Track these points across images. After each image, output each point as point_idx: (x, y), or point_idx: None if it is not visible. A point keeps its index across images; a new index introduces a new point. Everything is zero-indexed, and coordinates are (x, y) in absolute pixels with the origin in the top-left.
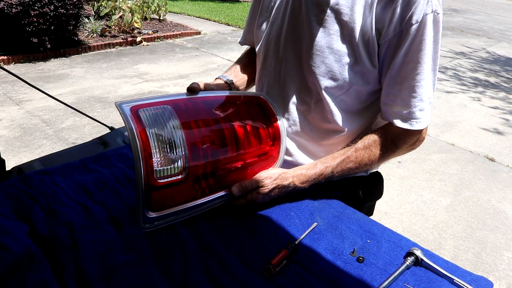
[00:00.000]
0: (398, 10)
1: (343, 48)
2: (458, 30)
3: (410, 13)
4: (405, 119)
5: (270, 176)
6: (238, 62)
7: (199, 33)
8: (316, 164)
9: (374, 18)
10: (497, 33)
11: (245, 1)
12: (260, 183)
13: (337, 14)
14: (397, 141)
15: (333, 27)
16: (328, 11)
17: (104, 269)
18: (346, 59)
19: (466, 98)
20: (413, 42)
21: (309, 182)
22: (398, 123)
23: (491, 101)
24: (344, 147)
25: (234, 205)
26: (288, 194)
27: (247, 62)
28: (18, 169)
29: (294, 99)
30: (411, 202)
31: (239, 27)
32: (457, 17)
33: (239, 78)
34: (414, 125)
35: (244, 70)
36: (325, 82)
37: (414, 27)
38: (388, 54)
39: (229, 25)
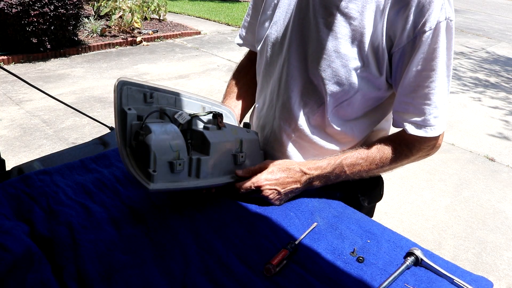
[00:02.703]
0: (411, 17)
1: (350, 53)
2: (458, 30)
3: (423, 20)
4: (420, 126)
5: (275, 160)
6: (235, 84)
7: (199, 33)
8: (325, 156)
9: (385, 24)
10: (497, 33)
11: (245, 1)
12: (264, 164)
13: (346, 17)
14: (412, 147)
15: (341, 30)
16: (337, 14)
17: (104, 269)
18: (353, 64)
19: (466, 98)
20: (427, 49)
21: (316, 169)
22: (412, 130)
23: (491, 101)
24: (352, 148)
25: (240, 189)
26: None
27: (244, 85)
28: (18, 169)
29: (296, 101)
30: (411, 202)
31: (239, 27)
32: (457, 17)
33: (237, 110)
34: (429, 132)
35: (239, 96)
36: (330, 87)
37: (427, 34)
38: (401, 61)
39: (229, 25)
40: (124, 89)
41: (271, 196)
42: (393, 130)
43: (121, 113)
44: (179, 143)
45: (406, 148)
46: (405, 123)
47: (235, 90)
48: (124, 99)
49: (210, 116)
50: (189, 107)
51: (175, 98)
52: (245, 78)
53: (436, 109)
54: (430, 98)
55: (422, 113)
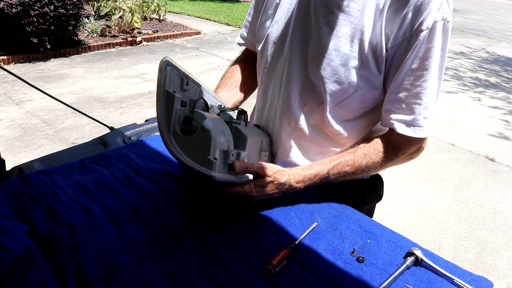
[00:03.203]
0: (409, 15)
1: (350, 52)
2: (458, 30)
3: (421, 19)
4: (409, 125)
5: (271, 168)
6: (230, 78)
7: (199, 33)
8: (312, 165)
9: (384, 22)
10: (497, 33)
11: (245, 1)
12: (261, 170)
13: (347, 16)
14: (398, 150)
15: (342, 29)
16: (338, 13)
17: (104, 269)
18: (353, 63)
19: (466, 98)
20: (422, 49)
21: (304, 182)
22: (400, 129)
23: (491, 101)
24: (343, 151)
25: (228, 193)
26: (286, 195)
27: (240, 79)
28: (18, 169)
29: (296, 99)
30: (411, 202)
31: (239, 27)
32: (457, 17)
33: (230, 102)
34: (417, 133)
35: (233, 88)
36: (330, 85)
37: (424, 33)
38: (395, 59)
39: (229, 25)
40: (168, 70)
41: (254, 201)
42: None
43: (167, 96)
44: (229, 133)
45: (392, 151)
46: (394, 122)
47: (229, 82)
48: (168, 81)
49: (233, 112)
50: (209, 102)
51: (200, 90)
52: (241, 73)
53: (426, 110)
54: (421, 98)
55: (412, 112)
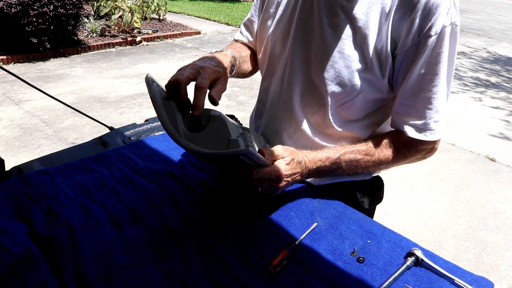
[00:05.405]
0: (417, 20)
1: (354, 54)
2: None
3: (429, 24)
4: (420, 130)
5: (286, 148)
6: (238, 48)
7: (199, 33)
8: (323, 149)
9: (390, 26)
10: (497, 33)
11: (245, 1)
12: (279, 154)
13: (351, 18)
14: (411, 148)
15: (346, 31)
16: (342, 14)
17: (104, 269)
18: (356, 66)
19: (466, 98)
20: (431, 54)
21: (315, 163)
22: (411, 133)
23: (492, 101)
24: (356, 143)
25: (257, 174)
26: (288, 193)
27: (246, 56)
28: (18, 169)
29: (297, 100)
30: (411, 202)
31: (239, 27)
32: None
33: (243, 64)
34: (429, 136)
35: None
36: (332, 87)
37: (433, 38)
38: (404, 64)
39: (229, 25)
40: (155, 84)
41: (281, 187)
42: None
43: (165, 105)
44: (234, 123)
45: (405, 148)
46: (405, 126)
47: (236, 47)
48: (159, 93)
49: None
50: None
51: None
52: (246, 53)
53: (436, 114)
54: (432, 102)
55: (423, 117)
